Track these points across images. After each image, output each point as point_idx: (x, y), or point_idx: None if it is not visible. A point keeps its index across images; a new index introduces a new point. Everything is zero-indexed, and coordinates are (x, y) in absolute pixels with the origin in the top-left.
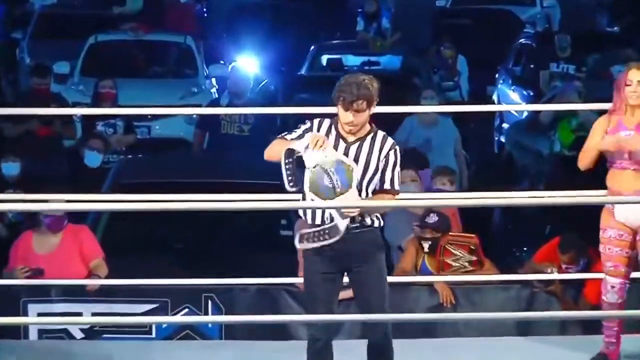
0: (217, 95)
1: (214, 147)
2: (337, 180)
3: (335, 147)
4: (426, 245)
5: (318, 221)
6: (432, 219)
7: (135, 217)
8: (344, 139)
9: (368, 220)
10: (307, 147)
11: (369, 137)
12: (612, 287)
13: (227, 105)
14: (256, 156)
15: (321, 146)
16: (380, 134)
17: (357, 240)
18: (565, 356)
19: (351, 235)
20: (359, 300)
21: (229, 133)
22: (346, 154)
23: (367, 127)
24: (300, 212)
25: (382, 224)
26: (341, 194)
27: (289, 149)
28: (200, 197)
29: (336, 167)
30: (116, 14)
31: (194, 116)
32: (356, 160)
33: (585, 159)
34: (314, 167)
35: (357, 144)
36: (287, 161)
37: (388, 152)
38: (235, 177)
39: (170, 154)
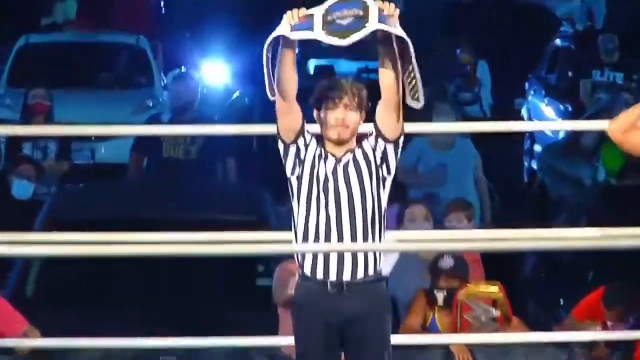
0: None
1: (156, 174)
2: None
3: (322, 168)
4: (440, 297)
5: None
6: (447, 262)
7: (76, 263)
8: (332, 155)
9: (370, 269)
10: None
11: (359, 151)
12: None
13: (169, 122)
14: (208, 184)
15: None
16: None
17: (358, 296)
18: None
19: (351, 290)
20: None
21: (172, 157)
22: (335, 175)
23: (354, 141)
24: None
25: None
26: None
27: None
28: (159, 236)
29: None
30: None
31: None
32: (348, 182)
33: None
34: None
35: (347, 158)
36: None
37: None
38: (195, 210)
39: (120, 183)
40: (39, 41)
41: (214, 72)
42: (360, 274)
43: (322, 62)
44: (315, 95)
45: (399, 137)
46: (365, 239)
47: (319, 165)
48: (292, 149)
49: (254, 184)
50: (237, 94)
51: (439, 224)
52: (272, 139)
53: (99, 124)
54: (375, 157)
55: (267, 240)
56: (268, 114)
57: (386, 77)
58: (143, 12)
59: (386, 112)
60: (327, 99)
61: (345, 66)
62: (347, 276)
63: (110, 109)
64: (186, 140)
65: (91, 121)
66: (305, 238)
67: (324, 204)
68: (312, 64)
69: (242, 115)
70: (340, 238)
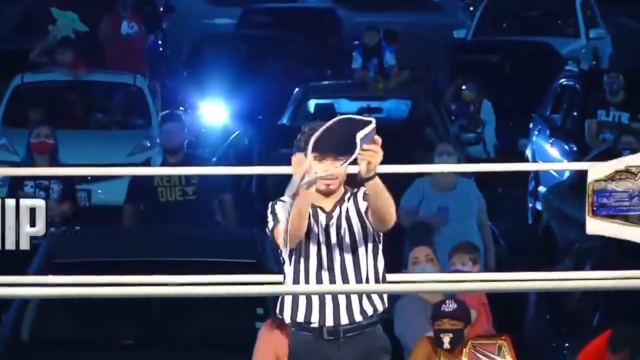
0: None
1: (154, 220)
2: None
3: (314, 227)
4: (446, 340)
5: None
6: (450, 306)
7: (72, 306)
8: (322, 210)
9: (369, 310)
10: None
11: (349, 200)
12: None
13: (162, 165)
14: (207, 226)
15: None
16: (359, 191)
17: (357, 343)
18: None
19: (348, 337)
20: None
21: (169, 200)
22: (327, 232)
23: (341, 189)
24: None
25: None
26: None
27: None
28: (156, 278)
29: None
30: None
31: None
32: (341, 241)
33: None
34: None
35: (337, 213)
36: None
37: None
38: (194, 253)
39: (117, 226)
40: (34, 80)
41: (214, 111)
42: (357, 317)
43: (323, 101)
44: (300, 141)
45: None
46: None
47: (310, 223)
48: None
49: (252, 226)
50: (236, 133)
51: (443, 267)
52: (271, 179)
53: (95, 165)
54: (368, 217)
55: (266, 282)
56: (269, 153)
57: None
58: (141, 52)
59: (380, 227)
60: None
61: (346, 106)
62: (344, 320)
63: (107, 149)
64: (181, 182)
65: (87, 162)
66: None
67: (317, 260)
68: (312, 103)
69: (242, 155)
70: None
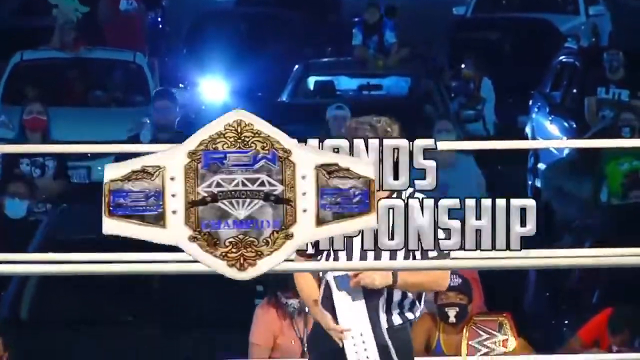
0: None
1: None
2: None
3: None
4: (452, 314)
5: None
6: (455, 280)
7: (73, 283)
8: None
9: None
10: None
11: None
12: None
13: (151, 141)
14: None
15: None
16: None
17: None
18: None
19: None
20: None
21: None
22: None
23: None
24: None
25: (416, 316)
26: None
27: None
28: (155, 255)
29: None
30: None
31: None
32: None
33: None
34: None
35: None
36: None
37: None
38: None
39: None
40: (34, 57)
41: (213, 89)
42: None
43: (323, 78)
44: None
45: None
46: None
47: None
48: None
49: None
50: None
51: None
52: None
53: (95, 142)
54: None
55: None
56: None
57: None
58: (140, 29)
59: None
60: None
61: (345, 83)
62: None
63: (107, 127)
64: None
65: (87, 139)
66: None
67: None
68: (312, 81)
69: None
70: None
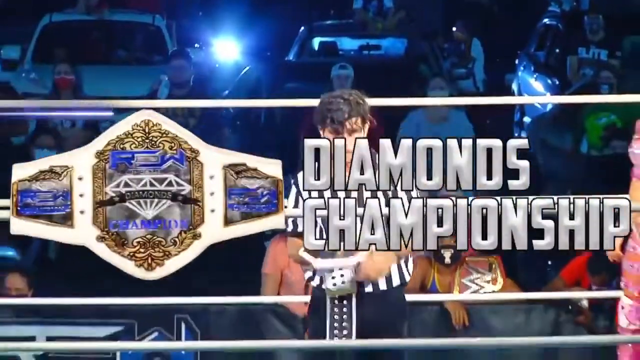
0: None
1: None
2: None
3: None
4: (447, 255)
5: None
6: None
7: None
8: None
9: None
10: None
11: None
12: (622, 308)
13: (167, 97)
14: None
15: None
16: None
17: (374, 306)
18: None
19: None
20: None
21: None
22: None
23: None
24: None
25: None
26: None
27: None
28: None
29: None
30: None
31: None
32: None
33: None
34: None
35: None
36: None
37: None
38: None
39: None
40: (62, 19)
41: (226, 49)
42: (382, 285)
43: (326, 39)
44: (317, 115)
45: None
46: None
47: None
48: None
49: (260, 153)
50: (247, 69)
51: None
52: (278, 111)
53: (117, 98)
54: None
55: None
56: (276, 87)
57: None
58: None
59: None
60: (329, 121)
61: (347, 43)
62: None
63: (129, 84)
64: (184, 113)
65: (110, 95)
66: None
67: None
68: (316, 41)
69: (252, 89)
70: None
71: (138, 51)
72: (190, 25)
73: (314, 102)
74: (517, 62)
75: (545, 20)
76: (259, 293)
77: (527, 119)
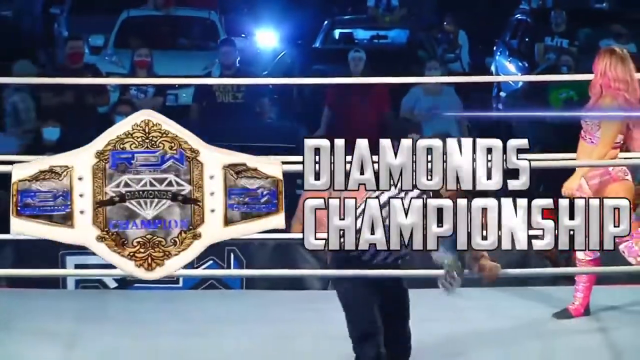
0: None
1: (212, 115)
2: None
3: None
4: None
5: None
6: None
7: None
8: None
9: None
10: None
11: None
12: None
13: (220, 77)
14: (250, 119)
15: None
16: None
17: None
18: (532, 307)
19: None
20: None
21: (224, 101)
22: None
23: None
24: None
25: None
26: None
27: None
28: None
29: None
30: None
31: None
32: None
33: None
34: None
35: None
36: None
37: None
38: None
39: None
40: (137, 14)
41: (266, 38)
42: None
43: (345, 30)
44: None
45: None
46: None
47: None
48: None
49: (293, 121)
50: (282, 54)
51: None
52: (307, 88)
53: (181, 76)
54: None
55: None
56: (306, 69)
57: None
58: None
59: None
60: None
61: (361, 34)
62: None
63: (189, 65)
64: (233, 89)
65: (176, 74)
66: None
67: None
68: (337, 32)
69: (287, 69)
70: None
71: (196, 39)
72: (237, 19)
73: (336, 80)
74: (495, 48)
75: (517, 16)
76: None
77: (502, 94)
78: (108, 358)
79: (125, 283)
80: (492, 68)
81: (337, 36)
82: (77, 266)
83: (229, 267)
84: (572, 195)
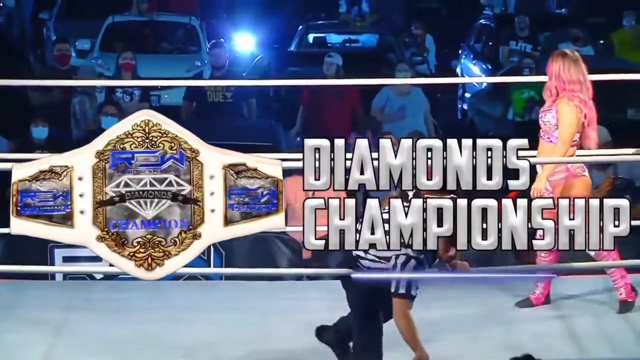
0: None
1: (202, 114)
2: None
3: None
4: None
5: None
6: None
7: None
8: None
9: None
10: None
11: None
12: None
13: (210, 78)
14: (239, 118)
15: None
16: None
17: None
18: (495, 295)
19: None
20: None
21: (214, 101)
22: None
23: None
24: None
25: None
26: None
27: None
28: None
29: None
30: None
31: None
32: None
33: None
34: None
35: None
36: None
37: None
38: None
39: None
40: (122, 20)
41: (244, 42)
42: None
43: (318, 35)
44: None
45: None
46: None
47: None
48: None
49: (271, 118)
50: (259, 57)
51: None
52: (283, 88)
53: (163, 78)
54: None
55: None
56: (282, 71)
57: None
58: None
59: None
60: None
61: (334, 38)
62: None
63: (172, 68)
64: (223, 89)
65: (158, 76)
66: None
67: None
68: (311, 37)
69: (263, 71)
70: None
71: (178, 43)
72: (217, 24)
73: (309, 82)
74: (460, 51)
75: (482, 21)
76: None
77: (467, 95)
78: (94, 343)
79: (110, 275)
80: (458, 70)
81: (311, 40)
82: (65, 259)
83: (209, 259)
84: (542, 196)
